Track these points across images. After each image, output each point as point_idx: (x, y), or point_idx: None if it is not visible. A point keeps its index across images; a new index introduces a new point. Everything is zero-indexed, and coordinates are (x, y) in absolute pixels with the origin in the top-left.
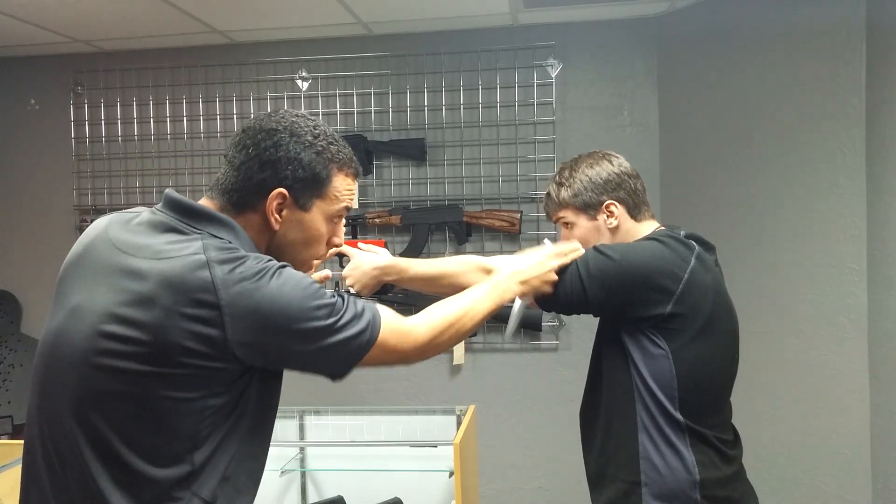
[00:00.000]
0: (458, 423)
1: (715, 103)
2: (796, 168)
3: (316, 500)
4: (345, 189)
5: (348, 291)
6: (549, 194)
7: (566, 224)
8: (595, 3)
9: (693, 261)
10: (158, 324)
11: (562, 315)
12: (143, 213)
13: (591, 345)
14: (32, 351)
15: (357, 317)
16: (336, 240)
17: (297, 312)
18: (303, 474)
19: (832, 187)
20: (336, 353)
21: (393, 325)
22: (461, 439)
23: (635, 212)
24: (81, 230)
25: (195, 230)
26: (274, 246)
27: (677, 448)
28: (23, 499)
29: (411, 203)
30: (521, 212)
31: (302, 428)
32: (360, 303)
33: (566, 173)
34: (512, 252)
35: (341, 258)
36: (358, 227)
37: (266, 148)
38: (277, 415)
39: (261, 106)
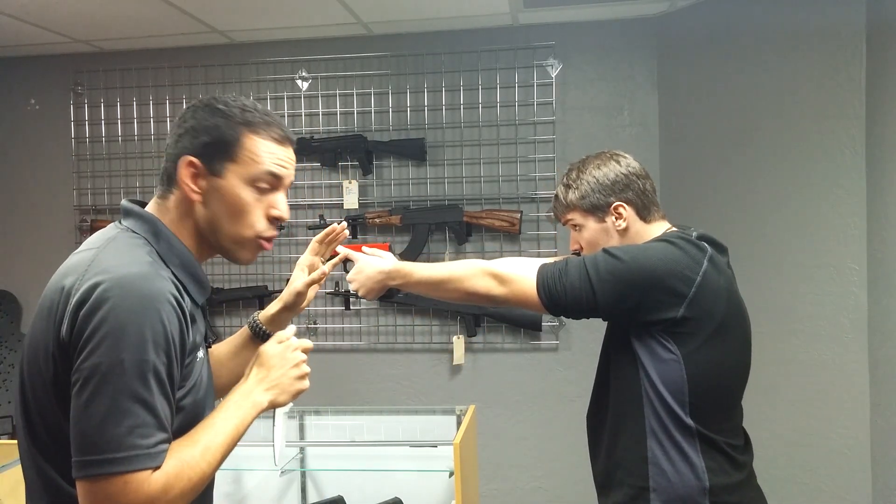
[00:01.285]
0: (458, 423)
1: (715, 103)
2: (796, 168)
3: (316, 500)
4: (265, 152)
5: (348, 292)
6: (556, 196)
7: (575, 226)
8: (595, 3)
9: (705, 263)
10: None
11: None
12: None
13: (591, 345)
14: None
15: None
16: (275, 211)
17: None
18: (303, 474)
19: (832, 187)
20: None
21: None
22: (461, 439)
23: (644, 213)
24: (81, 230)
25: (118, 227)
26: (204, 223)
27: (687, 454)
28: None
29: (411, 203)
30: (521, 212)
31: (302, 428)
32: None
33: (574, 175)
34: (512, 253)
35: (345, 263)
36: (358, 227)
37: (181, 121)
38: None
39: None
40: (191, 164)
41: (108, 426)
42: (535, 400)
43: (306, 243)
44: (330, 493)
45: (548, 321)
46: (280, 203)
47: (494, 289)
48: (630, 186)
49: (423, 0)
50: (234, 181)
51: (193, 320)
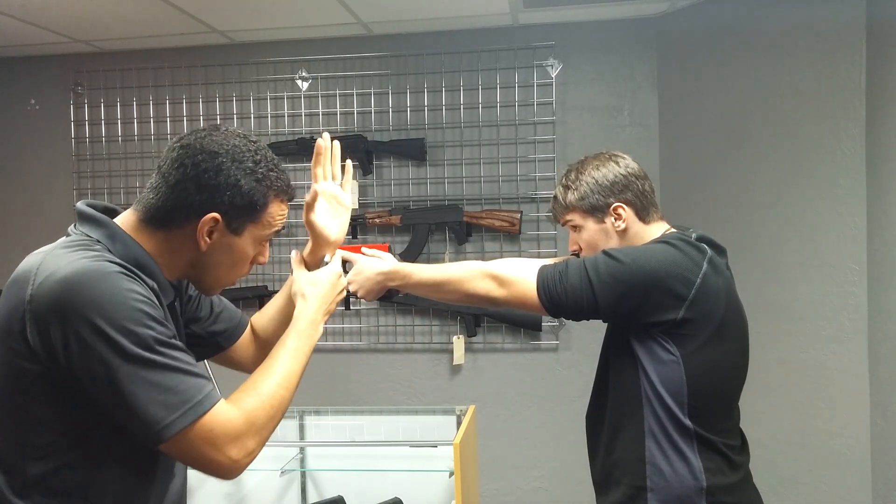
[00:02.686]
0: (458, 423)
1: (715, 103)
2: (796, 168)
3: (316, 500)
4: (278, 214)
5: (348, 292)
6: (555, 197)
7: (574, 227)
8: (595, 3)
9: (705, 265)
10: None
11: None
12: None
13: (591, 345)
14: None
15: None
16: (261, 258)
17: (100, 312)
18: (303, 474)
19: (832, 187)
20: (125, 381)
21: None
22: (461, 439)
23: (644, 214)
24: None
25: (73, 231)
26: (197, 263)
27: (685, 454)
28: None
29: (411, 203)
30: (521, 212)
31: (302, 428)
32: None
33: (572, 176)
34: (512, 253)
35: (345, 264)
36: (358, 227)
37: (206, 170)
38: None
39: (261, 106)
40: (214, 219)
41: (150, 404)
42: (535, 400)
43: (305, 243)
44: (330, 493)
45: (547, 321)
46: (266, 251)
47: (494, 290)
48: (629, 187)
49: (423, 0)
50: (247, 240)
51: (165, 317)
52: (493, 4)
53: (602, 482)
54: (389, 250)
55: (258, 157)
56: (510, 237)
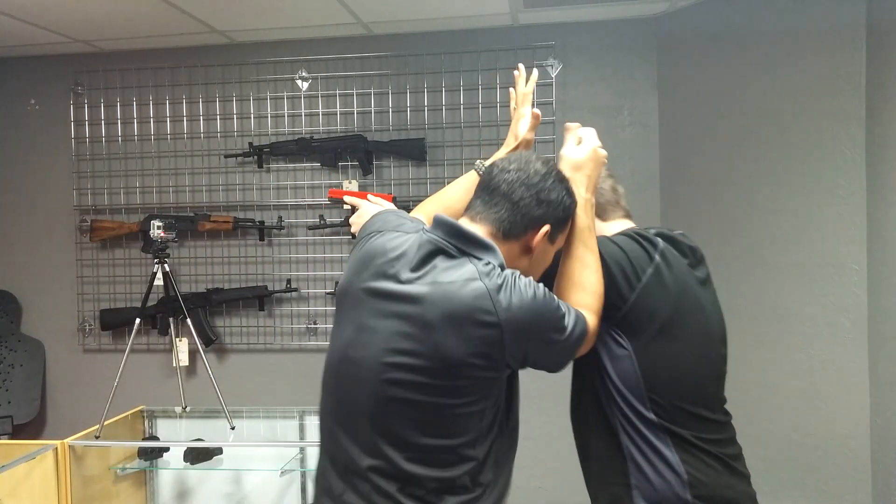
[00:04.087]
0: None
1: (715, 103)
2: (796, 168)
3: None
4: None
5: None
6: None
7: None
8: (595, 3)
9: (657, 257)
10: (442, 345)
11: None
12: (412, 237)
13: None
14: (32, 351)
15: (577, 320)
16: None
17: (552, 322)
18: (303, 474)
19: (832, 187)
20: (568, 350)
21: (590, 323)
22: None
23: (599, 210)
24: (81, 230)
25: (462, 253)
26: (524, 267)
27: (658, 449)
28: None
29: (411, 203)
30: None
31: (302, 428)
32: (572, 309)
33: None
34: None
35: (352, 208)
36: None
37: (543, 188)
38: (278, 415)
39: (261, 106)
40: (547, 231)
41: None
42: (535, 400)
43: (306, 243)
44: None
45: None
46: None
47: None
48: None
49: (423, 0)
50: (557, 247)
51: None
52: (493, 4)
53: (593, 484)
54: (393, 201)
55: (563, 177)
56: None
